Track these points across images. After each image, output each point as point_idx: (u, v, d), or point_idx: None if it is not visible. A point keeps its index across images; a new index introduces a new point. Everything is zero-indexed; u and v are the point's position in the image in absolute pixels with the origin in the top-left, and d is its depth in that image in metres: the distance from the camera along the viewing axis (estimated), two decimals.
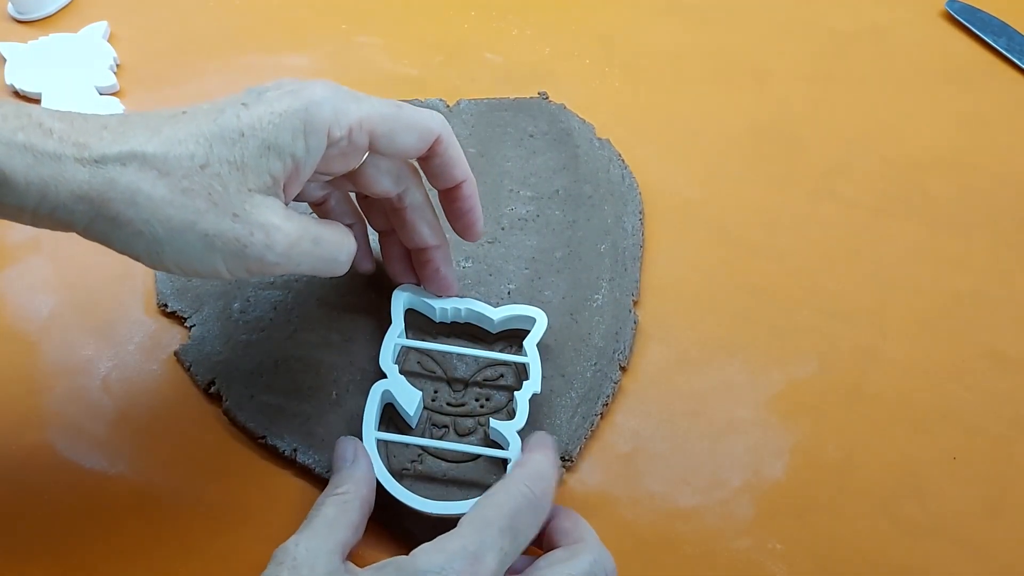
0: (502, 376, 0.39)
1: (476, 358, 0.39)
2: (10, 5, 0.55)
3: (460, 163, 0.35)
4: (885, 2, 0.58)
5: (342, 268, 0.34)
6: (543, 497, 0.32)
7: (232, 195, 0.29)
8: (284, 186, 0.31)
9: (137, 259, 0.30)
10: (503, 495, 0.31)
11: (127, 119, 0.30)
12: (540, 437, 0.35)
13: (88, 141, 0.28)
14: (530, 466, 0.33)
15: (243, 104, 0.30)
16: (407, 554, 0.29)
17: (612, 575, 0.31)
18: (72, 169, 0.28)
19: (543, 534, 0.33)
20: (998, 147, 0.50)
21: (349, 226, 0.38)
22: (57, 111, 0.29)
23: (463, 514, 0.34)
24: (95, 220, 0.29)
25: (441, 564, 0.28)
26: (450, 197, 0.37)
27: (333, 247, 0.33)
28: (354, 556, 0.34)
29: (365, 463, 0.34)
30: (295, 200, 0.33)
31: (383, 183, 0.35)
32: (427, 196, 0.37)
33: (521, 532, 0.30)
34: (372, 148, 0.33)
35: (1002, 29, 0.55)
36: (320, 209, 0.38)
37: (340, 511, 0.32)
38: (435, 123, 0.34)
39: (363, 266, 0.40)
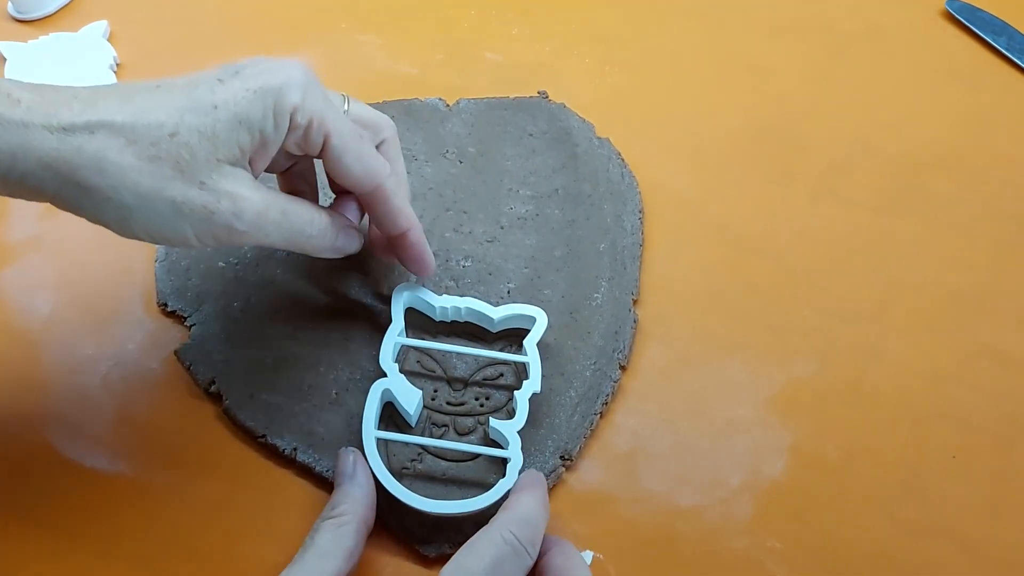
0: (502, 375, 0.39)
1: (476, 357, 0.39)
2: (10, 4, 0.55)
3: (403, 214, 0.36)
4: (885, 1, 0.58)
5: (317, 244, 0.34)
6: (529, 544, 0.31)
7: (200, 163, 0.30)
8: (251, 160, 0.32)
9: (107, 227, 0.30)
10: (485, 543, 0.30)
11: (99, 90, 0.30)
12: (531, 476, 0.34)
13: (57, 111, 0.29)
14: (516, 510, 0.32)
15: (218, 80, 0.31)
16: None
17: None
18: (40, 137, 0.28)
19: (535, 571, 0.32)
20: (998, 146, 0.50)
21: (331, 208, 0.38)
22: (28, 83, 0.29)
23: (462, 513, 0.34)
24: (63, 187, 0.29)
25: None
26: (396, 243, 0.37)
27: (302, 220, 0.33)
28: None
29: (364, 478, 0.34)
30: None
31: (351, 178, 0.34)
32: (397, 184, 0.37)
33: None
34: (321, 156, 0.33)
35: (1002, 28, 0.55)
36: (285, 176, 0.38)
37: (334, 539, 0.32)
38: (382, 172, 0.35)
39: (346, 245, 0.37)
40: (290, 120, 0.31)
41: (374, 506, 0.34)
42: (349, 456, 0.35)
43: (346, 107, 0.35)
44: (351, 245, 0.37)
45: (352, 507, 0.33)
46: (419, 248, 0.38)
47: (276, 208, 0.32)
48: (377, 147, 0.37)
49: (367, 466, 0.35)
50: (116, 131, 0.29)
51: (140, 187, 0.29)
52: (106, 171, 0.29)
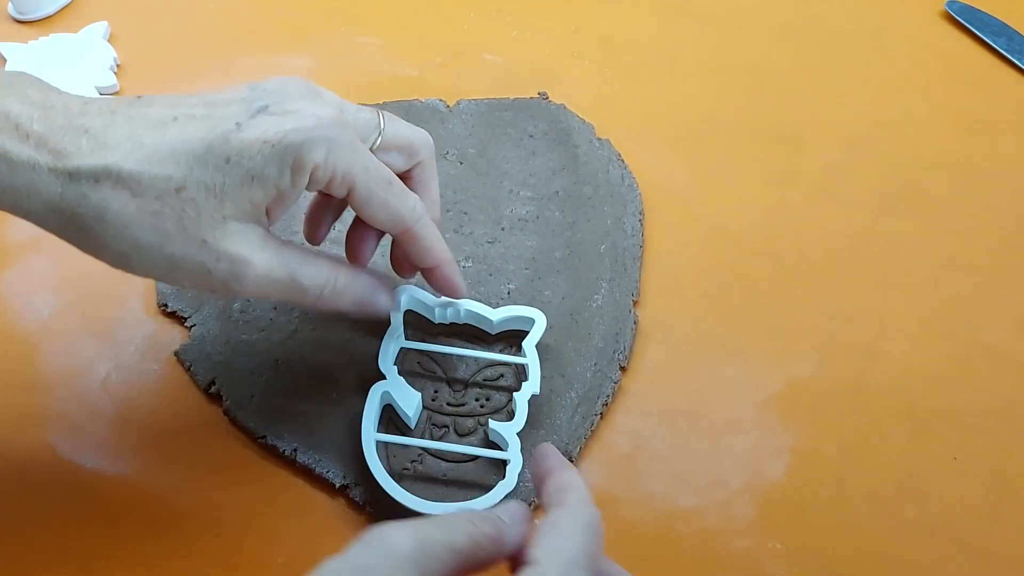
0: (502, 376, 0.39)
1: (475, 359, 0.39)
2: (10, 5, 0.55)
3: (433, 251, 0.35)
4: (885, 2, 0.58)
5: (332, 305, 0.33)
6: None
7: (204, 221, 0.29)
8: (268, 210, 0.30)
9: (107, 263, 0.30)
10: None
11: (113, 121, 0.29)
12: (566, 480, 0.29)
13: (65, 148, 0.28)
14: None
15: (236, 124, 0.29)
16: None
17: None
18: (45, 180, 0.28)
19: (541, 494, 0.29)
20: (998, 147, 0.50)
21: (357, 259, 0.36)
22: (40, 101, 0.28)
23: None
24: (66, 228, 0.29)
25: None
26: (424, 272, 0.36)
27: (314, 282, 0.32)
28: None
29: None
30: None
31: (376, 224, 0.33)
32: (427, 223, 0.35)
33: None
34: (347, 200, 0.32)
35: (1002, 29, 0.55)
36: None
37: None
38: (409, 217, 0.33)
39: (372, 306, 0.35)
40: (310, 176, 0.30)
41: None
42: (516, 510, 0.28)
43: (381, 127, 0.33)
44: (377, 305, 0.35)
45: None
46: (448, 280, 0.36)
47: (282, 270, 0.31)
48: (411, 169, 0.35)
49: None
50: (122, 182, 0.28)
51: (139, 241, 0.29)
52: (107, 223, 0.28)
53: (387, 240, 0.37)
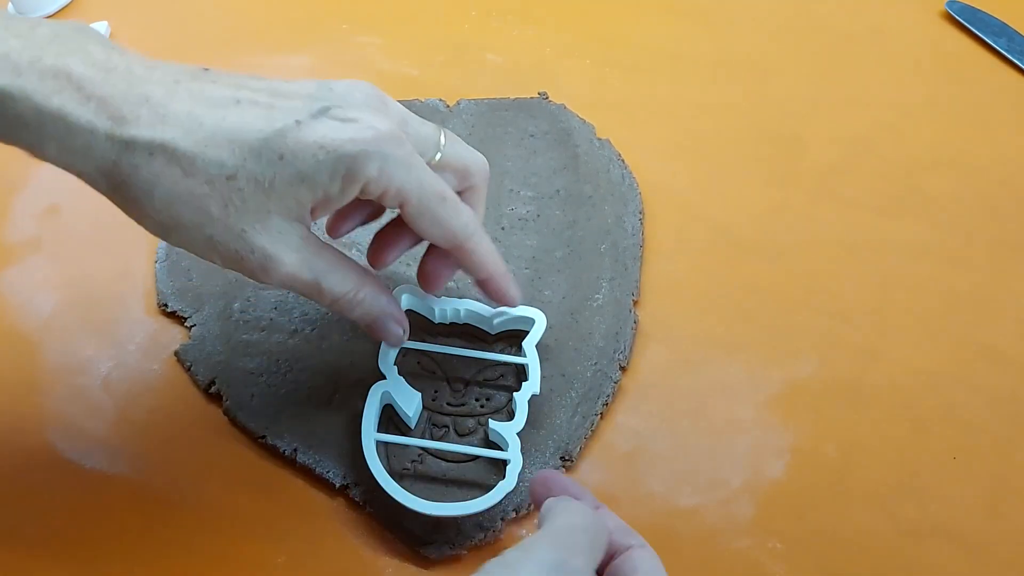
0: (502, 376, 0.39)
1: (475, 359, 0.39)
2: (10, 5, 0.55)
3: (486, 264, 0.34)
4: (885, 2, 0.58)
5: (345, 313, 0.33)
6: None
7: (248, 212, 0.29)
8: (313, 210, 0.30)
9: (145, 229, 0.30)
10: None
11: (175, 93, 0.29)
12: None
13: (125, 115, 0.28)
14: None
15: (296, 122, 0.29)
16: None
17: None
18: (102, 146, 0.28)
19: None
20: (998, 147, 0.50)
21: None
22: (103, 61, 0.28)
23: (463, 515, 0.34)
24: (113, 192, 0.29)
25: None
26: (479, 284, 0.36)
27: (336, 291, 0.32)
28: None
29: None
30: None
31: (427, 238, 0.33)
32: (480, 238, 0.34)
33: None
34: (401, 215, 0.32)
35: (1002, 29, 0.55)
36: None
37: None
38: (460, 234, 0.33)
39: (379, 332, 0.35)
40: (362, 188, 0.30)
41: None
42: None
43: (441, 145, 0.33)
44: (385, 332, 0.35)
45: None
46: (501, 292, 0.36)
47: (309, 274, 0.31)
48: (461, 192, 0.35)
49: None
50: (176, 159, 0.28)
51: (182, 218, 0.29)
52: (154, 196, 0.28)
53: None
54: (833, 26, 0.56)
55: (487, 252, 0.34)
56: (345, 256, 0.33)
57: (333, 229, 0.37)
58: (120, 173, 0.28)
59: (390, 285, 0.41)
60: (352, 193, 0.30)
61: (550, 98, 0.51)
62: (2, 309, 0.42)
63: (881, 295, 0.43)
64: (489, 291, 0.36)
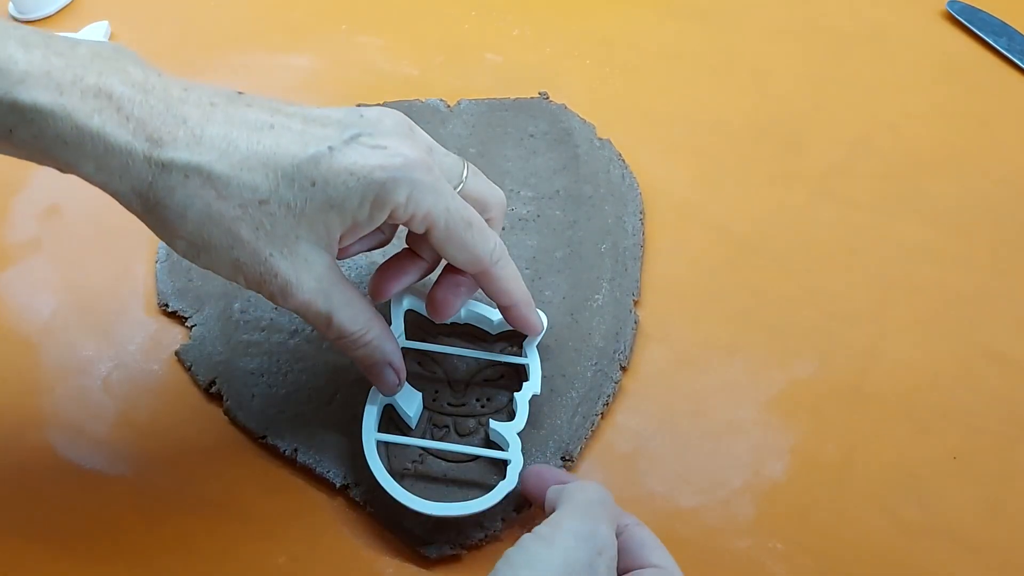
0: (503, 376, 0.39)
1: (476, 359, 0.39)
2: (11, 5, 0.55)
3: (510, 293, 0.35)
4: (886, 2, 0.58)
5: (344, 350, 0.33)
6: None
7: (277, 236, 0.30)
8: (342, 237, 0.31)
9: (174, 250, 0.31)
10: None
11: (212, 116, 0.29)
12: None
13: (162, 136, 0.28)
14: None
15: (329, 148, 0.29)
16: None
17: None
18: (139, 166, 0.28)
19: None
20: (998, 147, 0.50)
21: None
22: (141, 82, 0.29)
23: (463, 515, 0.34)
24: (147, 213, 0.29)
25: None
26: (503, 311, 0.37)
27: (341, 327, 0.32)
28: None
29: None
30: None
31: (452, 262, 0.34)
32: (510, 261, 0.35)
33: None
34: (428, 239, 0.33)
35: (1002, 29, 0.55)
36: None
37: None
38: (485, 260, 0.33)
39: (374, 377, 0.35)
40: (390, 213, 0.30)
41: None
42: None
43: (464, 177, 0.34)
44: (381, 377, 0.35)
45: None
46: (523, 320, 0.37)
47: (324, 306, 0.31)
48: None
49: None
50: (211, 182, 0.29)
51: (212, 240, 0.29)
52: (187, 218, 0.29)
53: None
54: (834, 26, 0.56)
55: (511, 279, 0.35)
56: (362, 295, 0.33)
57: (341, 251, 0.37)
58: (155, 194, 0.29)
59: None
60: (380, 219, 0.30)
61: (550, 98, 0.51)
62: (2, 310, 0.42)
63: (882, 295, 0.43)
64: (512, 319, 0.37)
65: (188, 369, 0.40)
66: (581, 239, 0.44)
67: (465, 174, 0.34)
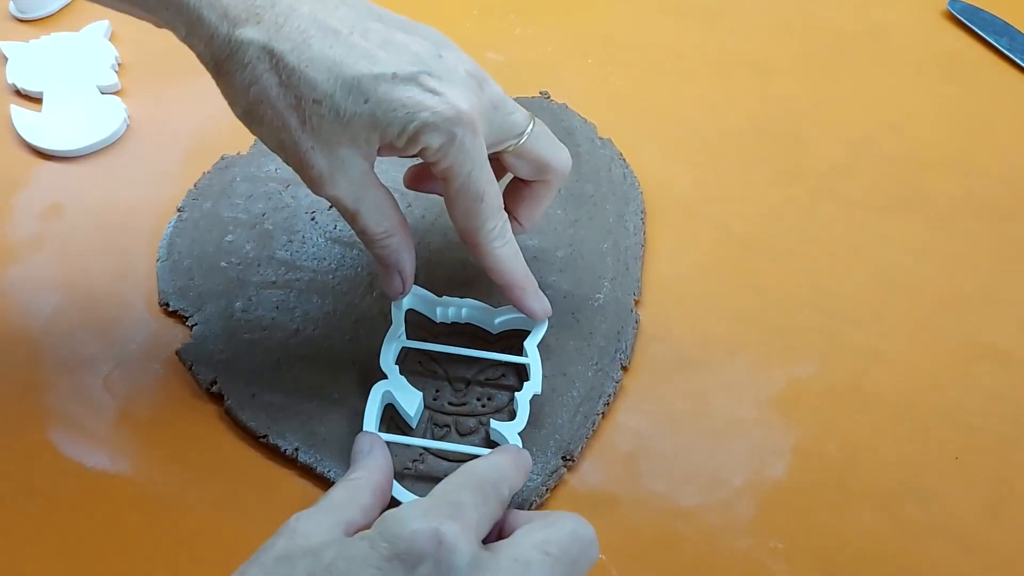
0: (504, 375, 0.39)
1: (477, 359, 0.39)
2: (11, 4, 0.55)
3: (502, 273, 0.36)
4: (887, 2, 0.58)
5: (366, 242, 0.35)
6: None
7: (321, 135, 0.31)
8: (379, 150, 0.33)
9: (232, 111, 0.33)
10: (474, 464, 0.32)
11: (299, 7, 0.31)
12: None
13: (248, 16, 0.30)
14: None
15: (393, 75, 0.31)
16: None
17: (591, 545, 0.29)
18: (221, 40, 0.30)
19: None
20: (999, 147, 0.50)
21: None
22: None
23: None
24: (216, 76, 0.32)
25: (424, 511, 0.27)
26: (502, 289, 0.37)
27: (365, 224, 0.34)
28: None
29: (381, 453, 0.34)
30: None
31: (455, 222, 0.35)
32: (507, 244, 0.36)
33: (497, 490, 0.30)
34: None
35: (1004, 29, 0.55)
36: None
37: (348, 493, 0.32)
38: (482, 236, 0.35)
39: (384, 277, 0.37)
40: (420, 150, 0.32)
41: (391, 479, 0.34)
42: (366, 438, 0.35)
43: (523, 135, 0.35)
44: (388, 284, 0.37)
45: (368, 473, 0.33)
46: (518, 304, 0.37)
47: (352, 203, 0.33)
48: (533, 182, 0.37)
49: (384, 445, 0.35)
50: (277, 69, 0.30)
51: (265, 116, 0.31)
52: (249, 92, 0.31)
53: None
54: (835, 26, 0.56)
55: (507, 259, 0.36)
56: (393, 201, 0.35)
57: (411, 182, 0.39)
58: (229, 66, 0.31)
59: None
60: (413, 151, 0.32)
61: (552, 97, 0.51)
62: (4, 308, 0.42)
63: (883, 295, 0.43)
64: (510, 299, 0.38)
65: (189, 368, 0.40)
66: (582, 238, 0.44)
67: (528, 132, 0.35)
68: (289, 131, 0.31)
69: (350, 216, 0.34)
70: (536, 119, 0.36)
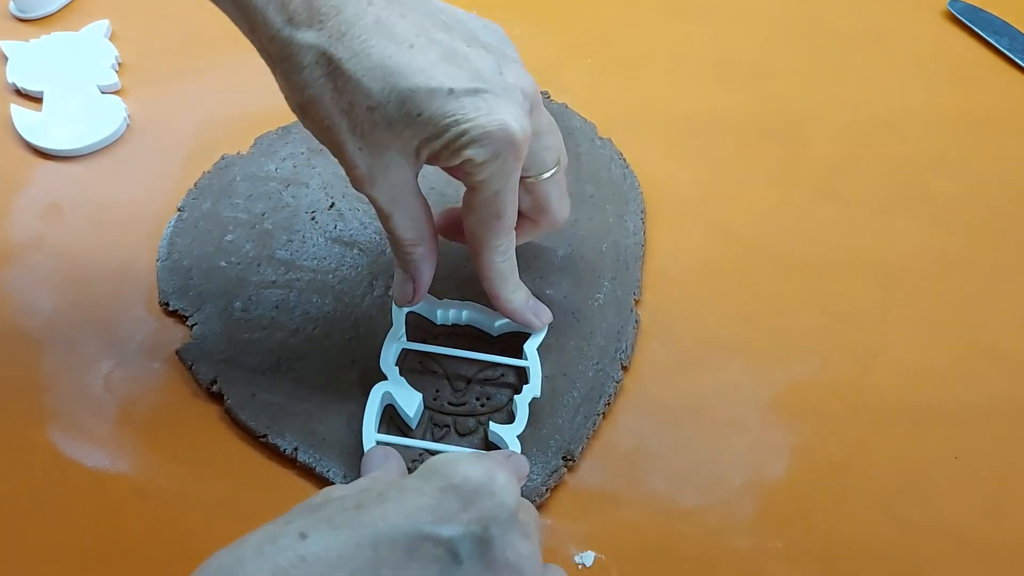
0: (503, 374, 0.39)
1: (477, 360, 0.39)
2: (12, 3, 0.55)
3: (491, 283, 0.36)
4: (887, 2, 0.58)
5: (393, 246, 0.35)
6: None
7: (368, 140, 0.32)
8: (417, 150, 0.32)
9: (285, 101, 0.33)
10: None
11: (363, 15, 0.31)
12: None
13: (312, 20, 0.31)
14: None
15: (451, 90, 0.31)
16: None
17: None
18: (281, 41, 0.31)
19: None
20: (1000, 147, 0.50)
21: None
22: None
23: None
24: (274, 69, 0.32)
25: (471, 458, 0.28)
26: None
27: (395, 228, 0.34)
28: None
29: (396, 463, 0.35)
30: None
31: (467, 228, 0.35)
32: (508, 262, 0.37)
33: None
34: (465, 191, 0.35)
35: (1004, 29, 0.55)
36: None
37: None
38: (487, 251, 0.35)
39: (400, 290, 0.37)
40: (462, 161, 0.32)
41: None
42: (379, 450, 0.36)
43: (544, 177, 0.36)
44: (398, 291, 0.37)
45: (388, 476, 0.32)
46: (515, 316, 0.38)
47: (388, 206, 0.34)
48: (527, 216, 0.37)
49: (399, 456, 0.35)
50: (334, 76, 0.31)
51: (318, 115, 0.32)
52: (304, 93, 0.31)
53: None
54: (835, 26, 0.56)
55: (497, 279, 0.36)
56: (428, 214, 0.35)
57: (444, 231, 0.39)
58: (287, 66, 0.31)
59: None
60: (455, 162, 0.32)
61: (551, 97, 0.51)
62: (4, 308, 0.42)
63: (882, 295, 0.43)
64: (496, 309, 0.38)
65: (189, 368, 0.40)
66: (582, 238, 0.44)
67: (549, 174, 0.36)
68: (338, 132, 0.32)
69: (384, 217, 0.34)
70: (562, 163, 0.36)
